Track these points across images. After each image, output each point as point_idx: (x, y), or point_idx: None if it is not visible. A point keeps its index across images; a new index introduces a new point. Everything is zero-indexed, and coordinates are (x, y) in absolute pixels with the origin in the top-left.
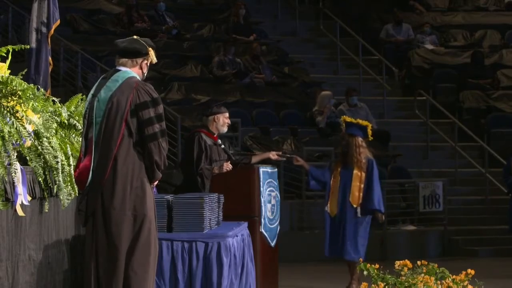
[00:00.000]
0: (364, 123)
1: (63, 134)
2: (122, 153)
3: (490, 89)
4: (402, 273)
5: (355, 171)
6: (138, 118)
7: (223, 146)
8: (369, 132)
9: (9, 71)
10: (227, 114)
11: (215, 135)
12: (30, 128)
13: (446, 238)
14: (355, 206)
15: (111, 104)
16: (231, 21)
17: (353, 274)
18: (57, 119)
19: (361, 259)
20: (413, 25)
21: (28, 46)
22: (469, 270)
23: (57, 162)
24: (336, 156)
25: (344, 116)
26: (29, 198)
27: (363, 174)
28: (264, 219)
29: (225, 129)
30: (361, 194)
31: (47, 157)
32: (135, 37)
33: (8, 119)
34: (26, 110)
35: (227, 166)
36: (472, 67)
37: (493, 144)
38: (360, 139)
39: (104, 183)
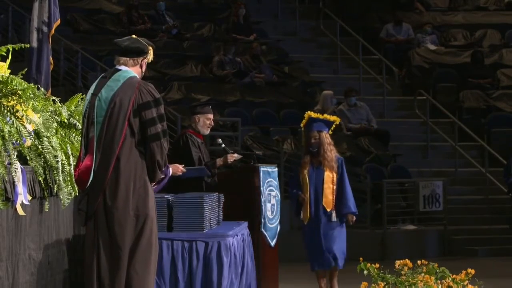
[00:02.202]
0: (332, 118)
1: (63, 134)
2: (125, 153)
3: (490, 89)
4: (402, 272)
5: (326, 173)
6: (141, 118)
7: (223, 145)
8: (333, 126)
9: (9, 70)
10: (209, 115)
11: (200, 134)
12: (30, 127)
13: (446, 238)
14: (329, 210)
15: (113, 104)
16: (231, 21)
17: (332, 281)
18: (57, 118)
19: (361, 259)
20: (413, 24)
21: (28, 45)
22: (469, 270)
23: (57, 161)
24: (305, 156)
25: (309, 112)
26: (29, 198)
27: (335, 175)
28: (264, 218)
29: (205, 131)
30: (334, 196)
31: (47, 156)
32: (134, 36)
33: (8, 118)
34: (26, 110)
35: (231, 157)
36: (472, 67)
37: (493, 144)
38: (328, 135)
39: (106, 183)
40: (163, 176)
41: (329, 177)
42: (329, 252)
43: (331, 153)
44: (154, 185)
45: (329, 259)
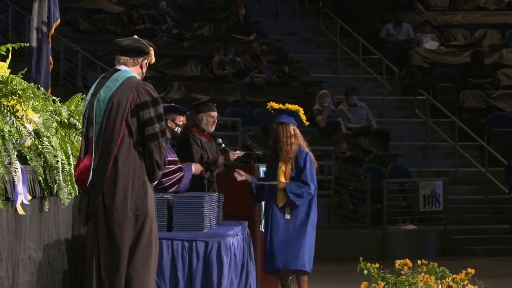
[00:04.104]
0: (294, 107)
1: (63, 133)
2: (123, 153)
3: (490, 89)
4: (403, 272)
5: (279, 165)
6: (139, 118)
7: (223, 145)
8: (303, 117)
9: (9, 70)
10: (212, 113)
11: (205, 133)
12: (30, 127)
13: (446, 238)
14: (280, 205)
15: (111, 104)
16: (231, 21)
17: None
18: (57, 118)
19: (361, 258)
20: (413, 24)
21: (28, 45)
22: (469, 270)
23: (57, 161)
24: (270, 149)
25: (271, 102)
26: (29, 197)
27: (290, 167)
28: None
29: (210, 129)
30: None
31: (47, 156)
32: (135, 36)
33: (8, 118)
34: (26, 110)
35: (233, 155)
36: (472, 67)
37: (493, 144)
38: (292, 127)
39: (105, 183)
40: (182, 173)
41: (282, 171)
42: (278, 252)
43: (290, 146)
44: (176, 185)
45: (277, 260)
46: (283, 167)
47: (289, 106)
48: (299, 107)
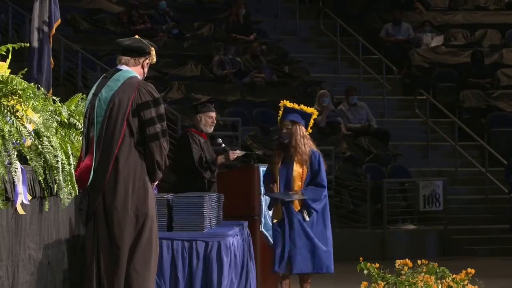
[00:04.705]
0: (309, 109)
1: (63, 133)
2: (124, 153)
3: (490, 89)
4: (402, 272)
5: (295, 167)
6: (140, 118)
7: (223, 145)
8: (311, 123)
9: (9, 70)
10: (211, 114)
11: (203, 134)
12: (30, 127)
13: (446, 237)
14: (297, 210)
15: (112, 103)
16: (231, 21)
17: (302, 286)
18: (58, 118)
19: (361, 258)
20: (413, 24)
21: (28, 45)
22: (469, 269)
23: (57, 161)
24: (277, 148)
25: (284, 101)
26: (29, 197)
27: (305, 170)
28: (265, 218)
29: (209, 129)
30: None
31: (47, 156)
32: (137, 36)
33: (8, 118)
34: (26, 109)
35: (233, 155)
36: (472, 67)
37: (493, 144)
38: (303, 128)
39: (105, 183)
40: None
41: (298, 173)
42: (303, 257)
43: (304, 146)
44: None
45: (301, 264)
46: (299, 170)
47: (303, 107)
48: (314, 110)
